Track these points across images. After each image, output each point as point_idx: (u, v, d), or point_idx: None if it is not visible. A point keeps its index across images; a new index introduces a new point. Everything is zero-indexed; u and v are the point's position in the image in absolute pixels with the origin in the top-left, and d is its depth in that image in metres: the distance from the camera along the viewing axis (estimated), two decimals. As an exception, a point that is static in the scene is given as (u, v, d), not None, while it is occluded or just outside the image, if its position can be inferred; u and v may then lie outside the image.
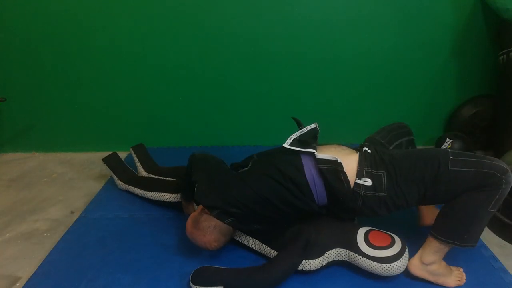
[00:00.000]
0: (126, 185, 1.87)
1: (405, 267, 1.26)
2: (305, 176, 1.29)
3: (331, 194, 1.30)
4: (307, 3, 2.06)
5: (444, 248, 1.24)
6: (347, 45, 2.16)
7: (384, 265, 1.24)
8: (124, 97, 2.33)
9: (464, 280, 1.31)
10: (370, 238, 1.29)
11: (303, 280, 1.32)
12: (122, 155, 2.05)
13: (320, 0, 2.06)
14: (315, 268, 1.31)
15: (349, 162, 1.29)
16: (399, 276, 1.30)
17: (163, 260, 1.45)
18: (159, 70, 2.25)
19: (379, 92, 2.28)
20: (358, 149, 1.38)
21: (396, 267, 1.24)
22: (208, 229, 1.31)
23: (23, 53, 2.20)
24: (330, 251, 1.32)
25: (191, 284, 1.26)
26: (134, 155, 2.02)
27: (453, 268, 1.34)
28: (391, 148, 1.48)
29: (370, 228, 1.35)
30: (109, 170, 1.94)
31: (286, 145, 1.32)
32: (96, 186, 2.01)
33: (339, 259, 1.34)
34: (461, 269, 1.34)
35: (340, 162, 1.26)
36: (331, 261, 1.34)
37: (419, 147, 1.75)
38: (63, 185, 2.08)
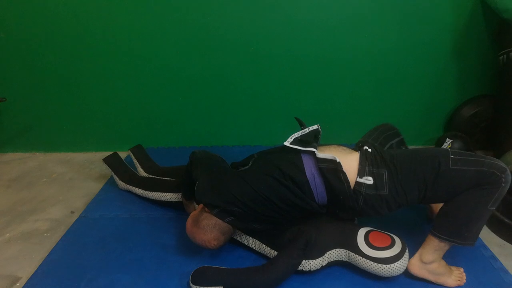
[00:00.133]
0: (126, 185, 1.87)
1: (405, 268, 1.26)
2: (306, 175, 1.29)
3: (331, 193, 1.30)
4: (307, 4, 2.06)
5: (444, 247, 1.25)
6: (347, 45, 2.16)
7: (384, 265, 1.24)
8: (124, 97, 2.33)
9: (464, 280, 1.31)
10: (370, 239, 1.29)
11: (303, 280, 1.32)
12: (122, 155, 2.05)
13: (319, 0, 2.06)
14: (315, 268, 1.31)
15: (350, 161, 1.30)
16: (399, 277, 1.30)
17: (163, 260, 1.45)
18: (159, 70, 2.25)
19: (379, 92, 2.28)
20: (356, 148, 1.39)
21: (396, 268, 1.24)
22: (208, 228, 1.31)
23: (23, 53, 2.20)
24: (330, 252, 1.32)
25: (191, 284, 1.26)
26: (132, 156, 2.02)
27: (453, 268, 1.34)
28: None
29: (370, 228, 1.35)
30: (110, 170, 1.94)
31: (287, 143, 1.32)
32: (96, 186, 2.01)
33: (339, 259, 1.34)
34: (462, 269, 1.34)
35: (339, 162, 1.27)
36: (331, 261, 1.34)
37: (418, 147, 1.75)
38: (63, 185, 2.08)
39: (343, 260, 1.34)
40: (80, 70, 2.25)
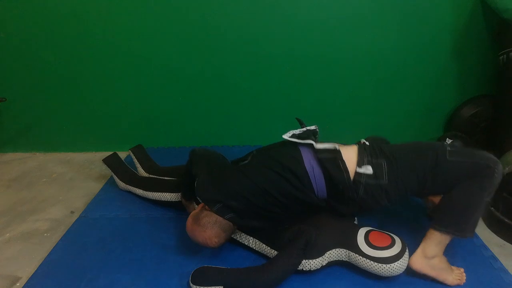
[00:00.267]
0: (127, 185, 1.87)
1: (405, 267, 1.26)
2: (305, 167, 1.31)
3: (330, 184, 1.32)
4: (307, 4, 2.06)
5: (445, 240, 1.27)
6: (347, 45, 2.15)
7: (384, 265, 1.24)
8: (124, 97, 2.33)
9: (464, 280, 1.31)
10: (370, 239, 1.29)
11: (303, 280, 1.32)
12: (122, 155, 2.05)
13: (319, 0, 2.06)
14: (315, 268, 1.31)
15: (349, 153, 1.33)
16: (399, 277, 1.30)
17: (163, 260, 1.45)
18: (159, 70, 2.25)
19: (379, 92, 2.28)
20: (355, 143, 1.42)
21: (396, 268, 1.24)
22: (208, 225, 1.31)
23: (23, 53, 2.20)
24: (330, 251, 1.33)
25: (191, 284, 1.26)
26: (133, 156, 2.02)
27: (454, 267, 1.34)
28: None
29: (371, 228, 1.35)
30: (110, 170, 1.94)
31: (285, 136, 1.36)
32: (96, 186, 2.01)
33: (339, 259, 1.34)
34: (462, 270, 1.34)
35: (338, 150, 1.31)
36: (331, 261, 1.34)
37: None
38: (63, 185, 2.08)
39: (343, 259, 1.34)
40: (80, 70, 2.25)
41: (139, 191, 1.81)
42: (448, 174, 1.24)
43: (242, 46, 2.17)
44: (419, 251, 1.30)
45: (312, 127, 1.45)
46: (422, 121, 2.35)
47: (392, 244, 1.27)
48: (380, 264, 1.24)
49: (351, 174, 1.29)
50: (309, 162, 1.32)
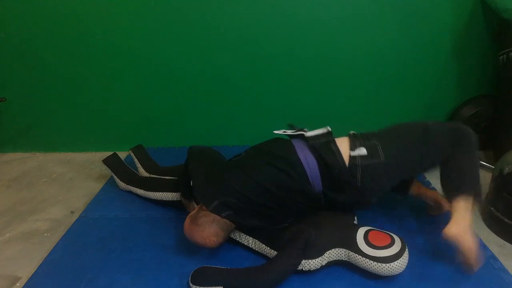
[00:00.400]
0: (127, 185, 1.87)
1: (405, 266, 1.26)
2: (298, 156, 1.34)
3: (325, 170, 1.33)
4: (307, 4, 2.06)
5: (469, 205, 1.30)
6: (347, 45, 2.16)
7: (383, 264, 1.23)
8: (124, 97, 2.33)
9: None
10: (369, 238, 1.29)
11: (303, 280, 1.32)
12: (122, 155, 2.05)
13: (319, 0, 2.06)
14: (315, 268, 1.31)
15: (340, 141, 1.39)
16: (399, 276, 1.30)
17: (163, 260, 1.45)
18: (159, 70, 2.25)
19: (379, 92, 2.28)
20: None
21: (396, 267, 1.24)
22: (206, 224, 1.31)
23: (23, 53, 2.20)
24: (329, 251, 1.32)
25: (191, 284, 1.26)
26: (133, 156, 2.02)
27: None
28: None
29: (370, 228, 1.35)
30: (110, 171, 1.94)
31: (276, 131, 1.43)
32: (96, 186, 2.01)
33: (339, 259, 1.34)
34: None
35: (330, 131, 1.38)
36: (331, 261, 1.34)
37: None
38: (63, 185, 2.08)
39: (343, 259, 1.34)
40: (80, 70, 2.25)
41: (140, 191, 1.81)
42: (438, 142, 1.36)
43: (242, 46, 2.17)
44: (453, 222, 1.28)
45: (303, 130, 1.47)
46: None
47: (392, 243, 1.27)
48: (379, 264, 1.24)
49: (346, 159, 1.33)
50: (302, 152, 1.35)
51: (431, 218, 1.62)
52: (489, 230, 1.60)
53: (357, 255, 1.28)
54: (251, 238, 1.45)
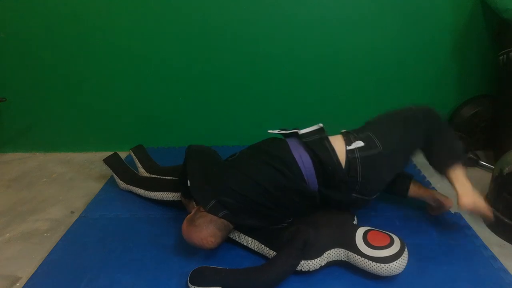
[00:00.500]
0: (127, 185, 1.87)
1: (404, 267, 1.26)
2: (292, 154, 1.35)
3: (320, 169, 1.34)
4: (307, 4, 2.06)
5: (463, 172, 1.41)
6: (347, 45, 2.16)
7: (383, 265, 1.23)
8: (124, 97, 2.33)
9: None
10: (369, 238, 1.29)
11: (302, 281, 1.32)
12: (122, 155, 2.05)
13: (320, 0, 2.05)
14: (314, 269, 1.31)
15: (334, 139, 1.40)
16: (398, 276, 1.30)
17: (163, 260, 1.45)
18: (159, 70, 2.25)
19: (379, 92, 2.28)
20: None
21: (395, 267, 1.24)
22: (203, 225, 1.31)
23: (23, 53, 2.20)
24: (329, 251, 1.32)
25: (189, 284, 1.26)
26: (134, 156, 2.02)
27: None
28: None
29: (369, 228, 1.35)
30: (110, 170, 1.94)
31: (271, 131, 1.44)
32: (96, 186, 2.01)
33: (338, 259, 1.34)
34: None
35: (322, 127, 1.39)
36: (330, 261, 1.34)
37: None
38: (63, 185, 2.08)
39: (342, 260, 1.34)
40: (80, 70, 2.25)
41: (141, 191, 1.81)
42: (420, 122, 1.45)
43: (242, 46, 2.17)
44: (461, 193, 1.38)
45: (295, 129, 1.49)
46: (422, 121, 2.35)
47: (391, 243, 1.27)
48: (378, 264, 1.24)
49: (343, 156, 1.34)
50: (296, 150, 1.36)
51: (431, 218, 1.63)
52: (489, 230, 1.60)
53: (356, 255, 1.28)
54: (250, 238, 1.45)
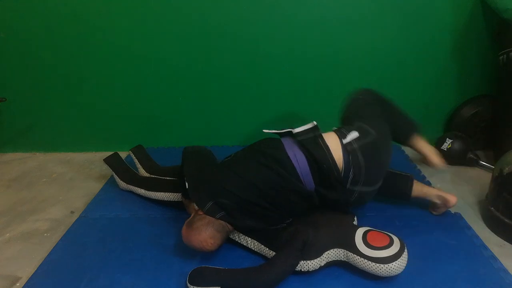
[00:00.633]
0: (128, 185, 1.87)
1: (404, 267, 1.26)
2: (286, 153, 1.35)
3: (315, 168, 1.34)
4: (307, 4, 2.06)
5: (421, 137, 1.64)
6: (347, 45, 2.16)
7: (382, 265, 1.23)
8: (124, 97, 2.33)
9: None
10: (368, 239, 1.29)
11: (302, 281, 1.32)
12: (122, 155, 2.05)
13: (320, 0, 2.06)
14: (313, 269, 1.31)
15: (328, 136, 1.41)
16: (398, 277, 1.30)
17: (163, 260, 1.45)
18: (159, 70, 2.25)
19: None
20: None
21: (395, 268, 1.23)
22: (202, 227, 1.31)
23: (23, 53, 2.20)
24: (328, 252, 1.32)
25: (188, 284, 1.26)
26: (133, 156, 2.02)
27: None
28: None
29: (369, 228, 1.35)
30: (111, 170, 1.94)
31: (266, 130, 1.46)
32: (96, 186, 2.01)
33: (338, 259, 1.34)
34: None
35: (316, 125, 1.41)
36: (330, 261, 1.34)
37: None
38: (63, 185, 2.08)
39: (342, 260, 1.34)
40: (80, 70, 2.25)
41: (141, 191, 1.81)
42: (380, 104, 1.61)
43: (242, 46, 2.17)
44: (430, 155, 1.63)
45: (289, 129, 1.50)
46: (422, 121, 2.31)
47: (390, 244, 1.27)
48: (378, 264, 1.24)
49: (338, 153, 1.34)
50: (291, 149, 1.36)
51: (431, 218, 1.63)
52: (489, 230, 1.60)
53: (355, 255, 1.28)
54: (249, 238, 1.45)
